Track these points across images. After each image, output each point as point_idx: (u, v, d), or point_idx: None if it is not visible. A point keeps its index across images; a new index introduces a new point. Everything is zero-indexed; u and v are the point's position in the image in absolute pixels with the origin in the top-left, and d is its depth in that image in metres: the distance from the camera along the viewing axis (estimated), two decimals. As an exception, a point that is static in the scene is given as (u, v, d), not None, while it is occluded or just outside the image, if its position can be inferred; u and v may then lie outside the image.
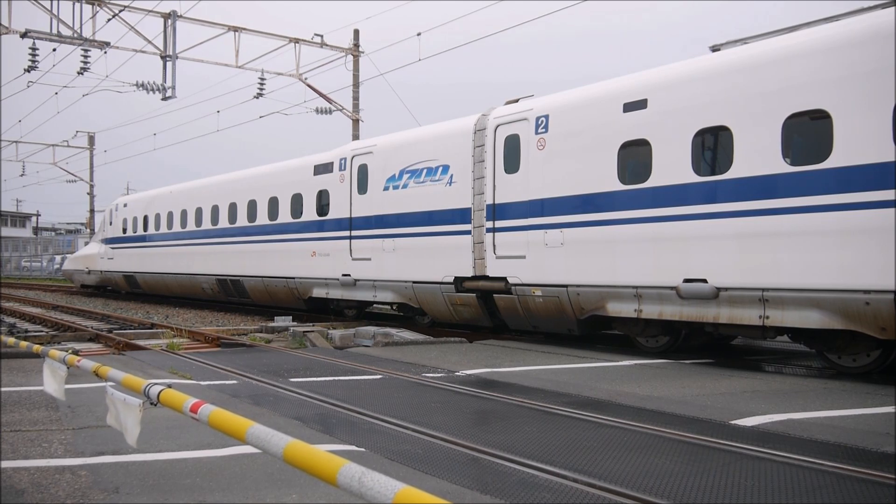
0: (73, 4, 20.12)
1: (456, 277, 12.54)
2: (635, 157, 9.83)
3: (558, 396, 7.14)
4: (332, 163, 15.77)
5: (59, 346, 11.57)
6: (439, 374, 8.58)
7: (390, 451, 5.09)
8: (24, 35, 19.91)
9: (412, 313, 14.72)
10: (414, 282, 13.43)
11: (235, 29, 22.95)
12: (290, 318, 15.33)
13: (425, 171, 13.20)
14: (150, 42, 21.75)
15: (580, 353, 10.34)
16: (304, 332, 13.27)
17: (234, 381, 8.19)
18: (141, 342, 12.42)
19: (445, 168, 12.78)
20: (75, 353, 9.26)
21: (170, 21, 21.55)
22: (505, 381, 8.11)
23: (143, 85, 22.40)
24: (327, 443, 5.30)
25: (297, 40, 24.45)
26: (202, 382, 8.06)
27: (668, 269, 9.31)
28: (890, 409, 6.44)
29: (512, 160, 11.58)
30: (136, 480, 4.46)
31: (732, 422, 5.95)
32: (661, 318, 9.50)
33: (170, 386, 3.66)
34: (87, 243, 49.83)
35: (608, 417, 6.11)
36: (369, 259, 14.46)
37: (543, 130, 11.04)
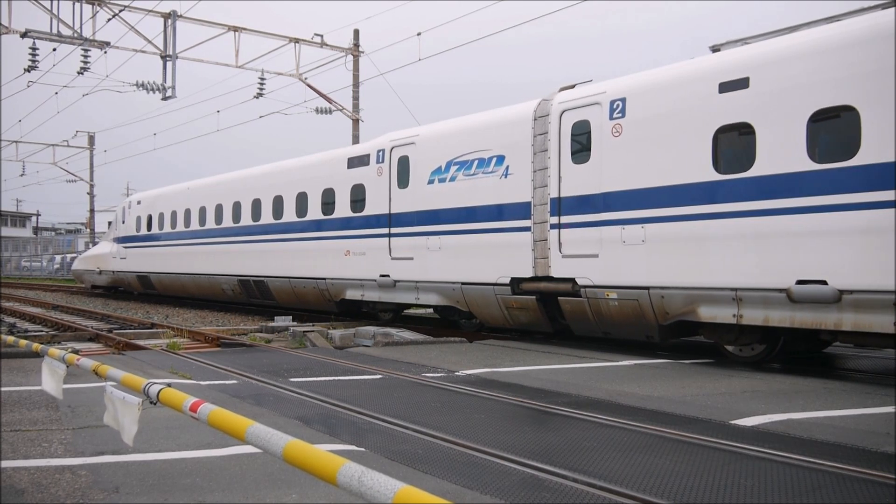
0: (73, 4, 20.12)
1: (513, 278, 11.51)
2: (734, 143, 8.81)
3: (558, 396, 7.14)
4: (368, 155, 14.64)
5: (59, 345, 11.56)
6: (439, 374, 8.58)
7: (390, 451, 5.09)
8: (24, 35, 19.91)
9: (457, 317, 13.78)
10: (463, 283, 12.40)
11: (235, 29, 22.95)
12: (290, 318, 15.31)
13: (476, 162, 12.13)
14: (150, 42, 21.75)
15: (580, 353, 10.33)
16: (304, 332, 13.27)
17: (235, 381, 8.19)
18: (141, 342, 12.42)
19: (500, 159, 11.71)
20: (75, 352, 9.26)
21: (170, 21, 21.54)
22: (505, 380, 8.11)
23: (143, 85, 22.40)
24: (327, 442, 5.30)
25: (297, 40, 24.45)
26: (202, 382, 8.06)
27: (775, 269, 8.28)
28: (890, 409, 6.44)
29: (581, 149, 10.50)
30: (136, 480, 4.46)
31: (732, 422, 5.95)
32: (767, 324, 8.44)
33: (169, 385, 3.66)
34: (87, 243, 49.91)
35: (608, 417, 6.11)
36: (411, 258, 13.39)
37: (620, 115, 9.94)
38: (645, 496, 4.06)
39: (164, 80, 22.03)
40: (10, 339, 7.77)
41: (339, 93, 26.83)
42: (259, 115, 28.82)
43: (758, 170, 8.52)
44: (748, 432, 5.61)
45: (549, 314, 11.35)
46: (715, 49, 9.61)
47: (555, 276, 10.83)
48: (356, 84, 25.91)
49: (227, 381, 8.15)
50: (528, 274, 11.24)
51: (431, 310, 14.63)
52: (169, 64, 21.76)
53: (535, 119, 11.22)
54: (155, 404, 3.67)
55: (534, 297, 11.28)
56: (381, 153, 14.28)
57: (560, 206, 10.75)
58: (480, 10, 20.88)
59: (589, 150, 10.37)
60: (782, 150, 8.30)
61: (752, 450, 5.02)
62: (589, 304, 10.37)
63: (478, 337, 12.67)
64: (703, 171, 9.03)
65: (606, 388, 7.59)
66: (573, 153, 10.60)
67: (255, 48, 53.29)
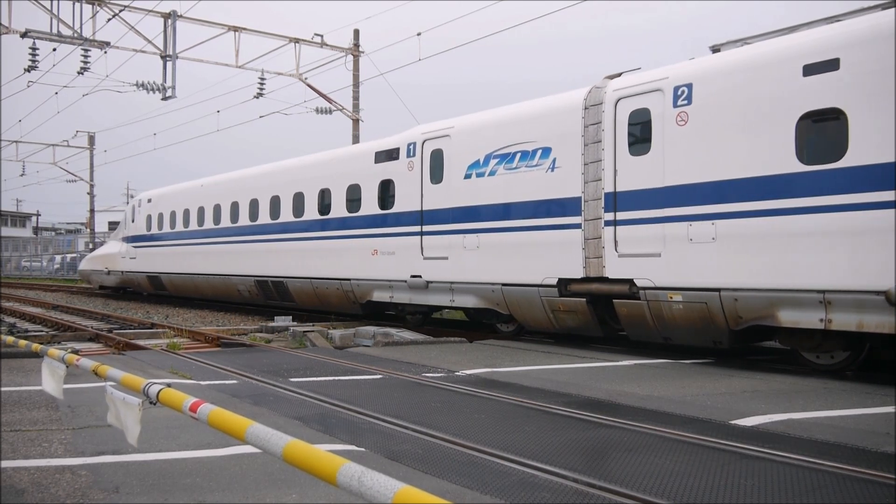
0: (73, 4, 20.14)
1: (560, 279, 10.77)
2: (821, 131, 8.10)
3: (558, 396, 7.14)
4: (397, 149, 13.84)
5: (59, 345, 11.56)
6: (439, 374, 8.58)
7: (390, 451, 5.09)
8: (24, 35, 19.91)
9: (495, 320, 12.98)
10: (503, 284, 11.66)
11: (235, 29, 22.95)
12: (290, 317, 15.30)
13: (519, 155, 11.36)
14: (150, 42, 21.75)
15: (580, 353, 10.33)
16: (304, 331, 13.28)
17: (235, 381, 8.19)
18: (141, 342, 12.42)
19: (546, 151, 10.94)
20: (75, 352, 9.26)
21: (170, 21, 21.55)
22: (505, 380, 8.11)
23: (143, 85, 22.40)
24: (327, 442, 5.30)
25: (297, 40, 24.45)
26: (202, 382, 8.06)
27: (872, 269, 7.52)
28: (890, 409, 6.44)
29: (640, 139, 9.75)
30: (136, 480, 4.46)
31: (732, 422, 5.95)
32: (861, 329, 7.72)
33: (169, 385, 3.66)
34: (87, 243, 49.91)
35: (608, 417, 6.10)
36: (446, 258, 12.63)
37: (685, 102, 9.19)
38: (645, 496, 4.06)
39: (164, 80, 22.05)
40: (10, 339, 7.76)
41: (339, 93, 26.86)
42: (259, 115, 28.85)
43: (851, 159, 7.74)
44: (748, 432, 5.61)
45: (598, 317, 10.65)
46: (715, 49, 9.59)
47: (610, 276, 10.06)
48: (356, 84, 25.92)
49: (227, 381, 8.15)
50: (578, 274, 10.50)
51: (462, 313, 14.05)
52: (169, 64, 21.77)
53: (586, 108, 10.46)
54: (155, 404, 3.67)
55: (584, 299, 10.54)
56: (411, 147, 13.52)
57: (616, 201, 10.00)
58: (480, 10, 20.88)
59: (649, 140, 9.61)
60: (881, 137, 7.53)
61: (752, 450, 5.02)
62: (649, 306, 9.61)
63: (478, 337, 12.65)
64: (785, 161, 8.25)
65: (606, 388, 7.59)
66: (630, 144, 9.86)
67: (255, 48, 53.34)
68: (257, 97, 24.78)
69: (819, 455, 4.88)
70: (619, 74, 10.50)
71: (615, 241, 10.00)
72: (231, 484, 4.38)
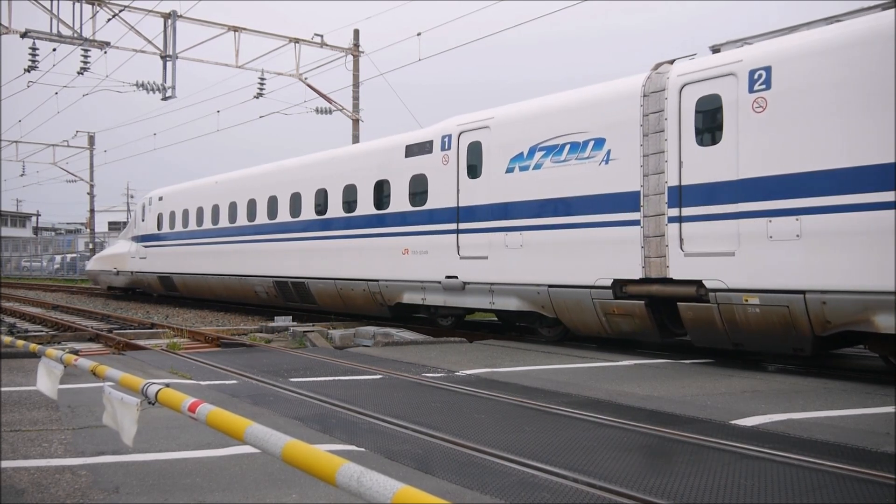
0: (73, 4, 20.13)
1: (615, 280, 10.06)
2: None
3: (558, 396, 7.14)
4: (430, 142, 13.16)
5: (59, 345, 11.57)
6: (439, 374, 8.57)
7: (390, 451, 5.09)
8: (24, 35, 19.91)
9: (537, 324, 12.11)
10: (550, 285, 10.93)
11: (235, 29, 22.96)
12: (290, 318, 15.30)
13: (568, 147, 10.64)
14: (150, 42, 21.75)
15: (580, 353, 10.32)
16: (304, 332, 13.28)
17: (234, 381, 8.19)
18: (141, 342, 12.42)
19: (599, 142, 10.24)
20: (75, 352, 9.27)
21: (170, 21, 21.55)
22: (505, 380, 8.11)
23: (143, 85, 22.40)
24: (327, 442, 5.30)
25: (297, 40, 24.45)
26: (202, 382, 8.06)
27: None
28: (890, 409, 6.44)
29: (709, 128, 9.10)
30: (136, 480, 4.45)
31: (732, 422, 5.95)
32: None
33: (168, 385, 3.66)
34: (87, 243, 49.92)
35: (608, 417, 6.10)
36: (485, 257, 11.90)
37: (763, 87, 8.49)
38: (645, 496, 4.06)
39: (164, 80, 22.04)
40: (8, 339, 7.76)
41: (339, 93, 26.84)
42: (259, 115, 28.85)
43: None
44: (748, 432, 5.61)
45: (657, 321, 9.91)
46: (715, 49, 9.59)
47: (675, 277, 9.34)
48: (356, 84, 25.92)
49: (226, 381, 8.15)
50: (636, 275, 9.77)
51: (500, 316, 13.46)
52: (169, 64, 21.77)
53: (645, 96, 9.75)
54: (153, 405, 3.66)
55: (642, 301, 9.79)
56: (446, 139, 12.77)
57: (681, 195, 9.27)
58: (480, 10, 20.89)
59: (720, 129, 8.93)
60: None
61: (752, 450, 5.02)
62: (719, 310, 8.88)
63: (478, 337, 12.65)
64: (885, 150, 7.51)
65: (606, 388, 7.59)
66: (698, 134, 9.17)
67: (255, 48, 53.30)
68: (257, 97, 24.78)
69: (819, 455, 4.88)
70: (672, 62, 9.90)
71: (681, 239, 9.29)
72: (231, 484, 4.38)
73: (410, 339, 12.21)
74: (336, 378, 8.37)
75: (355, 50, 25.61)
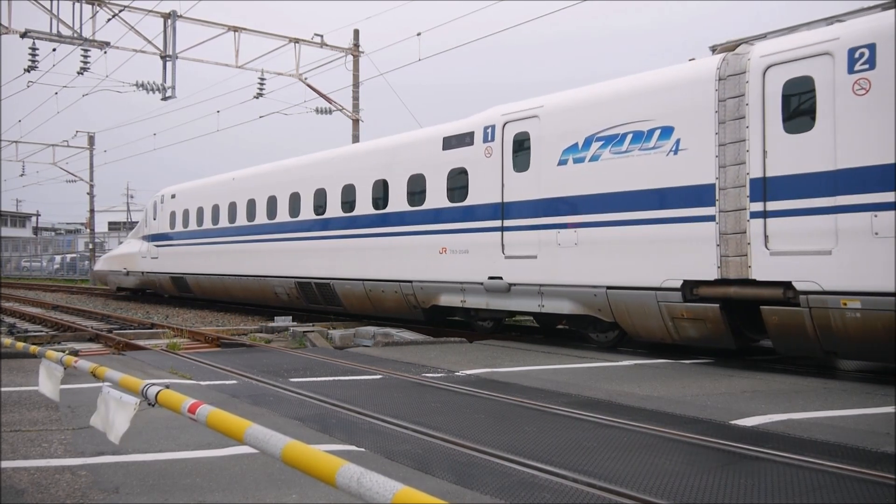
0: (73, 4, 20.11)
1: (685, 281, 9.26)
2: None
3: (558, 396, 7.14)
4: (471, 133, 12.30)
5: (59, 346, 11.57)
6: (439, 374, 8.57)
7: (390, 451, 5.09)
8: (24, 35, 19.90)
9: (591, 328, 11.31)
10: (608, 287, 10.13)
11: (235, 29, 22.95)
12: (290, 318, 15.29)
13: (630, 136, 9.84)
14: (150, 42, 21.74)
15: (580, 353, 10.32)
16: (304, 332, 13.28)
17: (234, 381, 8.19)
18: (141, 342, 12.43)
19: (666, 131, 9.44)
20: (75, 353, 9.29)
21: (170, 21, 21.54)
22: (505, 380, 8.11)
23: (143, 85, 22.39)
24: (327, 443, 5.30)
25: (297, 40, 24.44)
26: (202, 382, 8.06)
27: None
28: (890, 409, 6.44)
29: (799, 113, 8.29)
30: (135, 480, 4.45)
31: (732, 422, 5.95)
32: None
33: (168, 386, 3.66)
34: (87, 243, 49.90)
35: (608, 417, 6.10)
36: (534, 257, 11.08)
37: (865, 67, 7.67)
38: (645, 496, 4.06)
39: (164, 80, 22.01)
40: (8, 341, 7.76)
41: (339, 93, 26.81)
42: (259, 116, 28.83)
43: None
44: (748, 432, 5.61)
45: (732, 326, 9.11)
46: (715, 49, 9.58)
47: (759, 278, 8.52)
48: (356, 84, 25.91)
49: (226, 382, 8.15)
50: (711, 276, 8.98)
51: (532, 319, 12.81)
52: (169, 64, 21.75)
53: (720, 79, 8.94)
54: (153, 406, 3.66)
55: (716, 304, 8.99)
56: (489, 130, 11.94)
57: (766, 188, 8.47)
58: (480, 10, 20.89)
59: (813, 114, 8.13)
60: None
61: (752, 450, 5.02)
62: (811, 315, 8.05)
63: (478, 337, 12.64)
64: None
65: (606, 388, 7.59)
66: (786, 120, 8.36)
67: (255, 48, 53.28)
68: (257, 97, 24.76)
69: (819, 455, 4.88)
70: (738, 45, 9.21)
71: (765, 237, 8.46)
72: (231, 484, 4.38)
73: (410, 339, 12.21)
74: (336, 378, 8.37)
75: (355, 50, 25.60)
